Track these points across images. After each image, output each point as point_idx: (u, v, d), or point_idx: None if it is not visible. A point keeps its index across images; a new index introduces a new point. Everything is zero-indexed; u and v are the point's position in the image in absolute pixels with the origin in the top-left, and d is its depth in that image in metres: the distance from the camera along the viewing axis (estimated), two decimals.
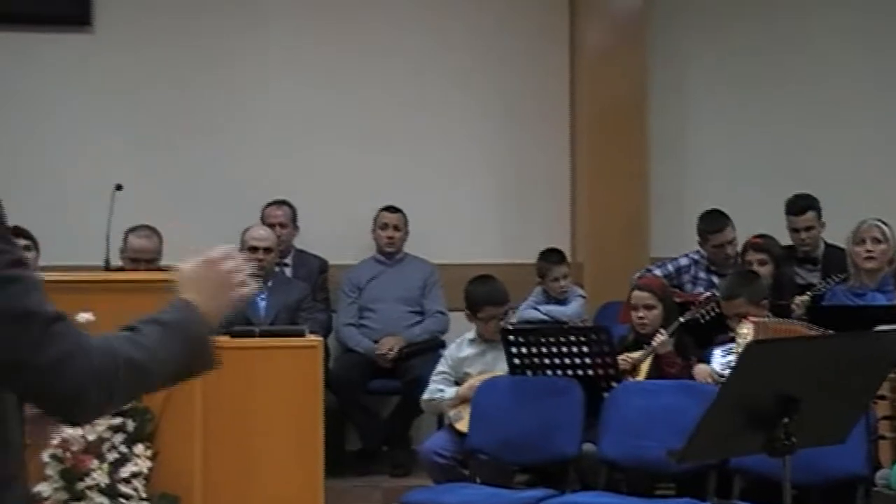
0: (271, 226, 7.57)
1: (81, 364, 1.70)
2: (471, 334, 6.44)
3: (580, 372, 5.91)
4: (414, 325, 7.53)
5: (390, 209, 7.77)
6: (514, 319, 6.75)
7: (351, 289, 7.64)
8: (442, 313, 7.57)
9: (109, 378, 1.74)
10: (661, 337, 6.03)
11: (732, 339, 5.83)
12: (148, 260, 7.05)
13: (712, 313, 6.35)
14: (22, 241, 6.95)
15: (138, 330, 1.83)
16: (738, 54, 8.41)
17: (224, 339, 5.63)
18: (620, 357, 6.02)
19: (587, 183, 8.04)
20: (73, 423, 1.80)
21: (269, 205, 7.72)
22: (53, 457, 4.92)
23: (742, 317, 5.86)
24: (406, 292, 7.62)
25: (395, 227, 7.75)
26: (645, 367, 6.04)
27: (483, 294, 6.39)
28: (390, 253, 7.75)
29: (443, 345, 7.17)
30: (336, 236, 7.89)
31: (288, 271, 7.66)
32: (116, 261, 6.82)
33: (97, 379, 1.72)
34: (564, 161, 8.24)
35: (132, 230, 7.06)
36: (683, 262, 7.42)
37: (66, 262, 6.51)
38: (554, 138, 8.23)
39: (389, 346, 7.31)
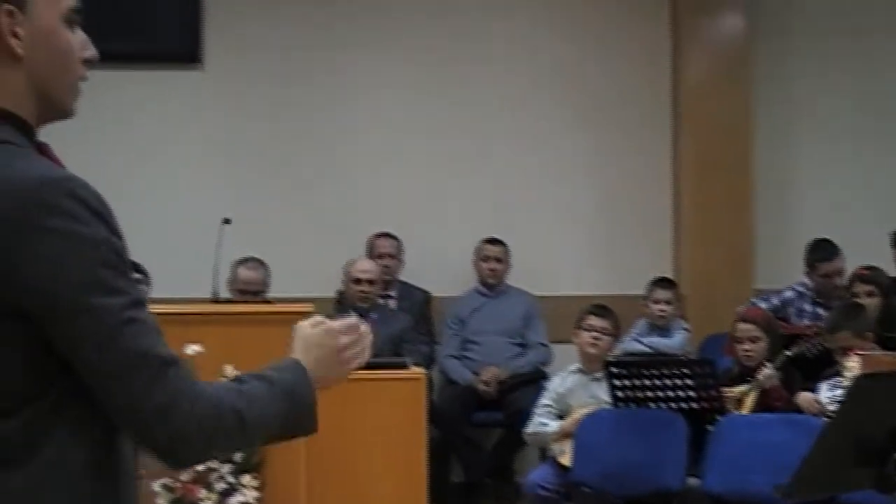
0: (379, 256, 7.65)
1: (186, 411, 1.72)
2: (574, 366, 6.43)
3: (684, 405, 5.87)
4: (516, 356, 7.54)
5: (493, 241, 7.80)
6: (616, 352, 6.73)
7: (454, 321, 7.68)
8: (544, 345, 7.57)
9: (212, 427, 1.75)
10: (766, 370, 5.96)
11: (839, 374, 5.75)
12: (255, 291, 7.15)
13: (819, 347, 6.26)
14: (134, 275, 7.10)
15: (246, 384, 1.84)
16: (844, 81, 8.31)
17: None
18: (725, 390, 5.96)
19: (691, 214, 8.00)
20: (174, 467, 1.83)
21: (377, 236, 7.80)
22: (164, 486, 5.00)
23: (847, 350, 5.78)
24: (508, 324, 7.63)
25: (498, 260, 7.78)
26: (750, 401, 5.98)
27: (591, 307, 6.44)
28: (492, 285, 7.78)
29: (546, 376, 7.16)
30: (440, 268, 7.93)
31: (392, 303, 7.72)
32: (224, 293, 6.92)
33: (200, 427, 1.74)
34: (668, 192, 8.20)
35: (240, 262, 7.18)
36: (789, 294, 7.34)
37: (175, 295, 6.62)
38: (657, 170, 8.19)
39: (491, 375, 7.33)
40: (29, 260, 1.67)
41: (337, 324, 2.04)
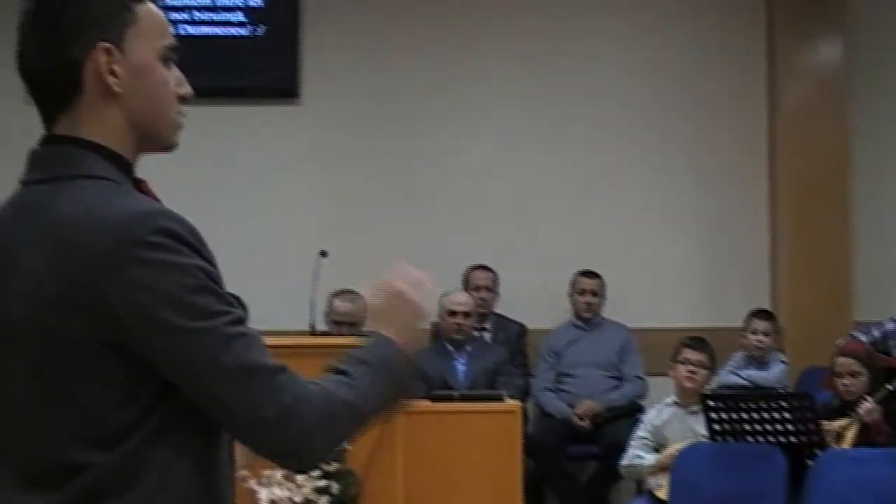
0: (475, 289, 7.68)
1: (306, 412, 1.76)
2: (669, 399, 6.39)
3: (782, 439, 5.80)
4: (611, 389, 7.50)
5: (589, 274, 7.79)
6: (713, 385, 6.67)
7: (549, 354, 7.67)
8: (640, 378, 7.53)
9: (332, 423, 1.80)
10: (867, 405, 5.87)
11: None
12: (351, 323, 7.21)
13: None
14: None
15: (348, 372, 1.87)
16: None
17: (424, 404, 5.73)
18: (825, 424, 5.88)
19: (788, 246, 7.92)
20: (300, 470, 1.87)
21: (474, 269, 7.83)
22: None
23: None
24: (603, 357, 7.61)
25: (593, 293, 7.76)
26: (850, 435, 5.89)
27: (686, 340, 6.39)
28: (588, 318, 7.76)
29: (641, 409, 7.12)
30: (535, 300, 7.93)
31: (487, 336, 7.73)
32: (321, 325, 6.99)
33: (321, 425, 1.78)
34: (765, 223, 8.13)
35: (337, 294, 7.24)
36: (890, 326, 7.22)
37: (272, 328, 6.69)
38: (754, 200, 8.13)
39: (587, 408, 7.30)
40: (127, 291, 1.71)
41: (397, 281, 2.05)
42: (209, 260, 1.78)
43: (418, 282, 2.08)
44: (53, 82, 1.84)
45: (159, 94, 1.91)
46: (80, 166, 1.82)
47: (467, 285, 7.75)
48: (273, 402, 1.75)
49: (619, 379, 7.56)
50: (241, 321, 1.78)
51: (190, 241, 1.76)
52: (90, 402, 1.75)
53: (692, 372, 6.29)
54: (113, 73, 1.84)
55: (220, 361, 1.73)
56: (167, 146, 1.95)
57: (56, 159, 1.84)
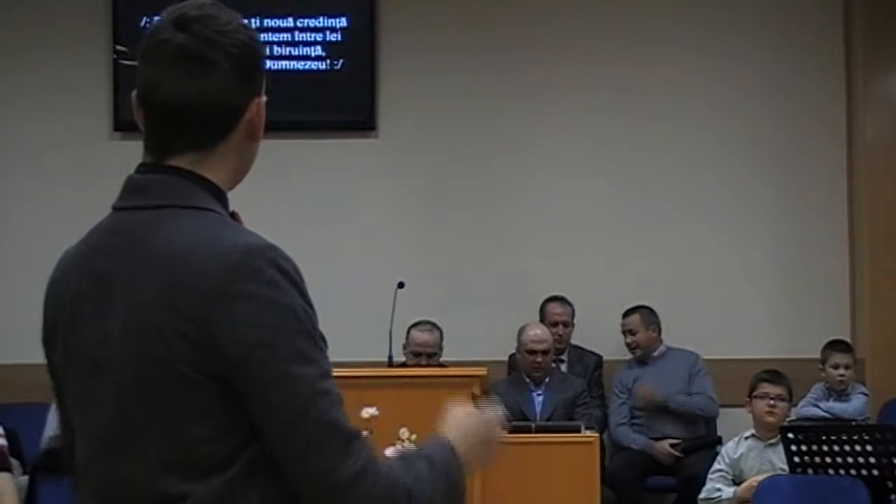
0: (553, 324, 7.66)
1: (372, 484, 1.76)
2: (748, 432, 6.34)
3: (864, 472, 5.72)
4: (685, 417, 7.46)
5: (626, 314, 7.70)
6: (793, 416, 6.61)
7: (621, 389, 7.62)
8: (710, 398, 7.45)
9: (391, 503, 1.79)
10: None
11: None
12: (429, 354, 7.25)
13: None
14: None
15: (413, 464, 1.86)
16: None
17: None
18: None
19: (868, 277, 7.83)
20: None
21: (550, 300, 7.80)
22: None
23: None
24: (672, 388, 7.52)
25: (631, 332, 7.66)
26: None
27: (763, 374, 6.35)
28: (640, 356, 7.71)
29: (720, 441, 7.08)
30: (610, 332, 7.89)
31: (564, 367, 7.72)
32: (399, 356, 7.03)
33: (382, 501, 1.78)
34: (844, 254, 8.05)
35: (415, 325, 7.28)
36: None
37: (351, 359, 6.75)
38: (833, 231, 8.06)
39: (665, 451, 7.24)
40: (231, 326, 1.73)
41: (492, 416, 2.06)
42: (309, 300, 1.80)
43: (498, 421, 2.08)
44: (204, 121, 1.86)
45: (259, 138, 1.96)
46: (188, 197, 1.84)
47: (543, 318, 7.74)
48: (345, 465, 1.75)
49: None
50: (330, 375, 1.78)
51: (296, 280, 1.78)
52: (188, 432, 1.76)
53: (772, 406, 6.24)
54: (259, 124, 1.92)
55: (305, 414, 1.74)
56: (235, 186, 1.97)
57: (162, 188, 1.85)
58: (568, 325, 7.79)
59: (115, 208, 1.88)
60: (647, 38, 8.22)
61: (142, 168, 1.89)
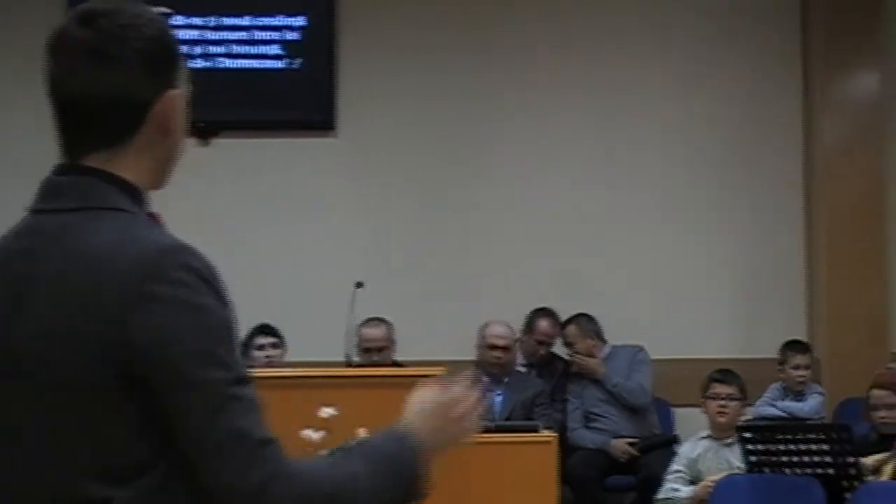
0: (540, 342, 7.67)
1: (283, 491, 1.72)
2: (704, 432, 6.38)
3: (819, 471, 5.76)
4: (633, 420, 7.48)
5: (564, 323, 7.70)
6: (749, 416, 6.65)
7: (576, 395, 7.63)
8: (642, 387, 7.45)
9: None
10: None
11: None
12: (379, 349, 7.25)
13: None
14: (270, 339, 7.25)
15: (347, 457, 1.84)
16: None
17: None
18: (863, 460, 5.84)
19: (825, 278, 7.89)
20: None
21: (540, 316, 7.76)
22: None
23: None
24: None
25: (569, 343, 7.67)
26: (889, 469, 5.84)
27: (716, 374, 6.38)
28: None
29: (677, 441, 7.11)
30: None
31: (533, 372, 7.72)
32: (357, 356, 7.02)
33: None
34: (800, 256, 8.11)
35: (365, 322, 7.28)
36: None
37: (309, 358, 6.75)
38: (790, 233, 8.12)
39: (621, 449, 7.25)
40: (144, 328, 1.70)
41: (454, 389, 2.03)
42: (225, 301, 1.77)
43: (464, 395, 2.04)
44: (111, 118, 1.83)
45: (183, 138, 1.93)
46: (104, 198, 1.81)
47: (531, 331, 7.73)
48: (250, 474, 1.71)
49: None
50: (245, 380, 1.75)
51: (209, 280, 1.75)
52: (106, 436, 1.73)
53: (723, 406, 6.29)
54: (173, 118, 1.87)
55: (215, 420, 1.71)
56: (163, 186, 1.93)
57: (77, 190, 1.82)
58: (552, 344, 7.80)
59: (33, 211, 1.85)
60: (611, 41, 8.25)
61: (57, 169, 1.86)
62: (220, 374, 1.72)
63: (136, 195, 1.84)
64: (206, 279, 1.74)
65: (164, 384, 1.71)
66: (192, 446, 1.73)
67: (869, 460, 5.86)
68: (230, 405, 1.71)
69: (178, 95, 1.88)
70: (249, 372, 1.77)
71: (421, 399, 2.01)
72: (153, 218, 1.87)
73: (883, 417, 5.98)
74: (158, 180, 1.91)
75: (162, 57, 1.86)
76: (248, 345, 7.16)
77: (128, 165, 1.84)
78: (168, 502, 1.74)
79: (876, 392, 6.07)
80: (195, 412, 1.71)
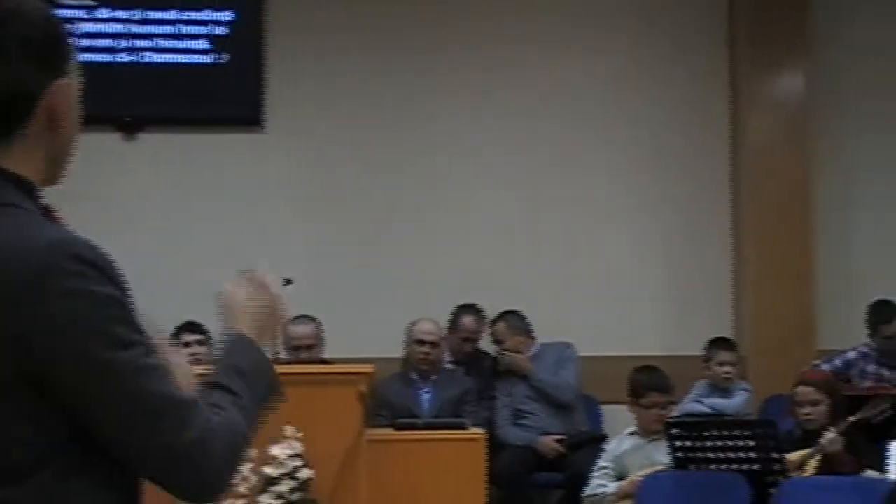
0: (465, 339, 7.66)
1: (216, 443, 1.75)
2: (630, 429, 6.40)
3: (745, 467, 5.81)
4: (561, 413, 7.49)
5: (493, 320, 7.71)
6: (676, 413, 6.68)
7: (504, 392, 7.63)
8: (568, 383, 7.47)
9: (236, 452, 1.80)
10: (829, 435, 5.88)
11: None
12: (307, 346, 7.21)
13: (887, 413, 6.17)
14: (196, 336, 7.18)
15: (235, 392, 1.85)
16: None
17: (388, 432, 5.72)
18: (788, 455, 5.89)
19: (751, 275, 7.97)
20: (205, 501, 1.82)
21: (464, 314, 7.76)
22: None
23: None
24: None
25: (498, 340, 7.68)
26: (812, 465, 5.90)
27: (648, 380, 6.36)
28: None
29: (604, 438, 7.14)
30: None
31: (461, 370, 7.71)
32: (285, 353, 6.97)
33: (227, 455, 1.77)
34: (727, 253, 8.18)
35: (292, 320, 7.23)
36: (852, 355, 7.28)
37: None
38: (717, 230, 8.18)
39: (549, 447, 7.26)
40: (41, 323, 1.68)
41: (261, 278, 2.05)
42: (122, 287, 1.75)
43: (266, 278, 2.07)
44: None
45: (76, 130, 1.88)
46: None
47: (456, 328, 7.72)
48: (185, 434, 1.72)
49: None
50: (153, 351, 1.75)
51: (104, 269, 1.73)
52: (5, 435, 1.70)
53: (661, 415, 6.30)
54: (64, 110, 1.83)
55: (135, 394, 1.71)
56: (59, 180, 1.90)
57: None
58: (477, 340, 7.79)
59: None
60: (535, 42, 8.27)
61: None
62: (130, 352, 1.71)
63: (29, 189, 1.81)
64: (99, 268, 1.72)
65: (74, 377, 1.70)
66: (118, 429, 1.72)
67: (794, 456, 5.91)
68: (147, 376, 1.72)
69: (68, 85, 1.83)
70: (153, 345, 1.77)
71: (236, 303, 2.03)
72: (48, 212, 1.84)
73: (807, 414, 6.02)
74: (53, 174, 1.87)
75: (48, 45, 1.81)
76: (173, 342, 7.10)
77: (18, 160, 1.80)
78: (70, 494, 1.72)
79: (801, 389, 6.12)
80: (115, 395, 1.70)
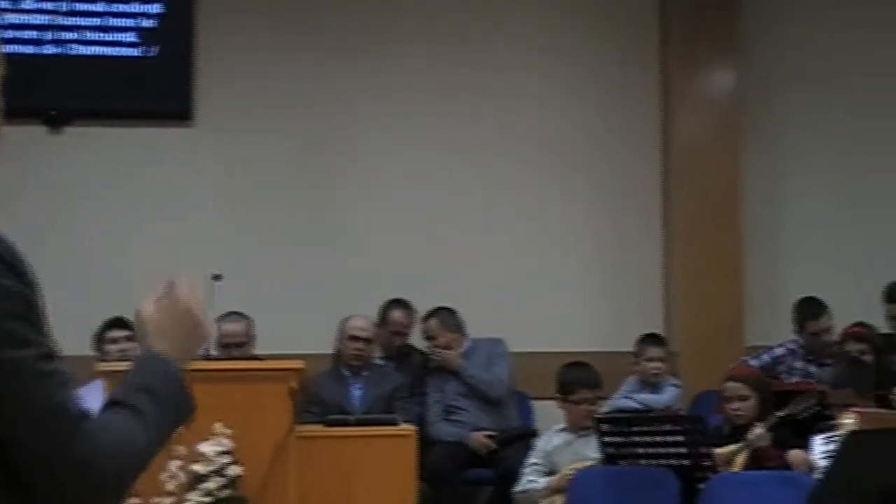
0: (396, 333, 7.64)
1: (105, 458, 1.71)
2: (560, 425, 6.41)
3: (674, 462, 5.84)
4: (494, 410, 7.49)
5: (425, 316, 7.67)
6: (606, 408, 6.71)
7: (435, 388, 7.62)
8: (500, 379, 7.47)
9: (128, 467, 1.76)
10: (757, 430, 5.93)
11: (833, 428, 5.73)
12: (238, 344, 7.16)
13: (813, 409, 6.23)
14: (124, 332, 7.09)
15: (136, 407, 1.82)
16: (835, 138, 8.36)
17: (319, 428, 5.68)
18: (717, 450, 5.93)
19: (681, 272, 8.02)
20: None
21: (393, 308, 7.73)
22: None
23: (847, 407, 5.75)
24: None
25: (430, 336, 7.67)
26: (741, 459, 5.95)
27: (577, 376, 6.38)
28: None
29: (535, 434, 7.15)
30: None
31: (392, 365, 7.68)
32: (215, 350, 6.91)
33: (119, 471, 1.74)
34: (657, 250, 8.23)
35: (223, 317, 7.18)
36: (779, 351, 7.35)
37: None
38: (647, 227, 8.22)
39: (479, 442, 7.25)
40: None
41: (180, 293, 1.99)
42: (27, 281, 1.71)
43: (185, 287, 2.01)
44: None
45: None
46: None
47: (385, 323, 7.69)
48: (76, 446, 1.69)
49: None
50: (52, 356, 1.72)
51: (9, 261, 1.70)
52: None
53: (591, 410, 6.32)
54: None
55: (28, 398, 1.67)
56: None
57: None
58: (406, 332, 7.77)
59: None
60: (467, 42, 8.26)
61: None
62: (26, 352, 1.68)
63: None
64: (5, 261, 1.69)
65: None
66: (7, 431, 1.68)
67: (722, 451, 5.95)
68: (42, 381, 1.68)
69: None
70: (56, 348, 1.74)
71: (152, 318, 1.97)
72: None
73: (736, 409, 6.07)
74: None
75: None
76: (101, 338, 7.04)
77: None
78: None
79: (729, 384, 6.16)
80: (7, 396, 1.67)
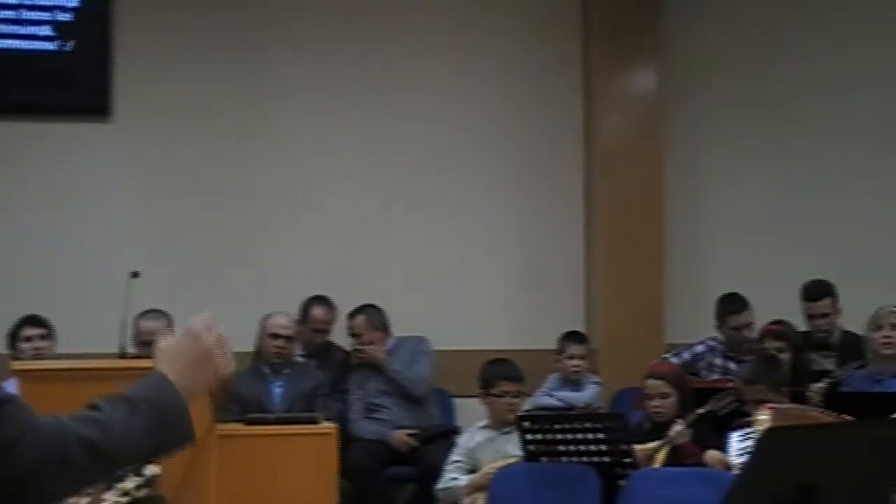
0: (317, 330, 7.61)
1: (32, 446, 1.69)
2: (482, 422, 6.42)
3: (595, 459, 5.86)
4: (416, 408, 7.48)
5: (352, 314, 7.66)
6: (528, 406, 6.72)
7: (356, 385, 7.59)
8: (420, 376, 7.46)
9: (62, 459, 1.72)
10: (678, 427, 5.97)
11: (750, 425, 5.78)
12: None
13: (732, 406, 6.28)
14: (38, 330, 6.99)
15: (100, 408, 1.81)
16: (755, 137, 8.45)
17: (239, 427, 5.63)
18: (637, 447, 5.96)
19: (602, 269, 8.06)
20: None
21: (314, 304, 7.69)
22: None
23: (761, 403, 5.81)
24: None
25: (356, 334, 7.64)
26: (661, 457, 5.99)
27: (498, 371, 6.39)
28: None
29: (457, 431, 7.14)
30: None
31: (313, 363, 7.63)
32: (132, 348, 6.84)
33: (48, 461, 1.71)
34: (579, 248, 8.26)
35: (142, 314, 7.10)
36: (700, 348, 7.41)
37: (82, 350, 6.53)
38: (568, 224, 8.26)
39: (401, 440, 7.23)
40: None
41: (196, 326, 2.05)
42: None
43: (209, 327, 2.08)
44: None
45: None
46: None
47: (306, 320, 7.65)
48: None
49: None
50: None
51: None
52: None
53: (512, 404, 6.32)
54: None
55: None
56: None
57: None
58: (328, 331, 7.73)
59: None
60: (389, 37, 8.24)
61: None
62: None
63: None
64: None
65: None
66: None
67: (643, 448, 5.98)
68: None
69: None
70: None
71: (168, 348, 2.02)
72: None
73: (657, 406, 6.10)
74: None
75: None
76: (15, 336, 6.94)
77: None
78: None
79: (650, 382, 6.20)
80: None
